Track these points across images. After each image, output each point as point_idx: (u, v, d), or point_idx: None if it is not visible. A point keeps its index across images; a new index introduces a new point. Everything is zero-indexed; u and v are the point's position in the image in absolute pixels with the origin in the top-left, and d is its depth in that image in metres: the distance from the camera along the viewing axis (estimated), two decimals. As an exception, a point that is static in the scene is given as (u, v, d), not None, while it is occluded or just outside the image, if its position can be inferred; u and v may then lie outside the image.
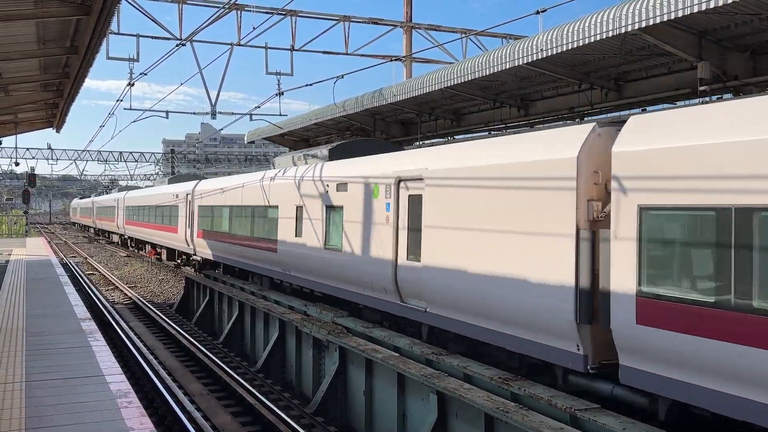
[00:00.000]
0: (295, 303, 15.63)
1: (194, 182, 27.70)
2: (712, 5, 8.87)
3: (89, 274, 35.08)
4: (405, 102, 17.30)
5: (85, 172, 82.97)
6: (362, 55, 24.91)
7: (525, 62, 12.34)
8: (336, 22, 23.63)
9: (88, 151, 64.32)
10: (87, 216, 73.69)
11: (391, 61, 22.02)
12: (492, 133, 16.55)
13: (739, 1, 8.73)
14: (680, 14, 9.31)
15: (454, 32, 25.91)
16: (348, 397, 12.01)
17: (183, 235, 27.28)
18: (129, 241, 47.12)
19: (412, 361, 10.25)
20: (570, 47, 11.18)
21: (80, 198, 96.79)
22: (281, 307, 15.89)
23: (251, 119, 27.36)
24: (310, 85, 17.59)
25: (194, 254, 26.29)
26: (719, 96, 11.15)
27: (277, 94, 21.50)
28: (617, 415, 7.31)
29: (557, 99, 15.06)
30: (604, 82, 13.46)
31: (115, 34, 20.85)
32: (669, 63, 12.23)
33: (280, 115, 25.46)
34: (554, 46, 11.49)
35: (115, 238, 54.92)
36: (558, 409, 7.61)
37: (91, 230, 71.64)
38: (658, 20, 9.63)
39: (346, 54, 24.28)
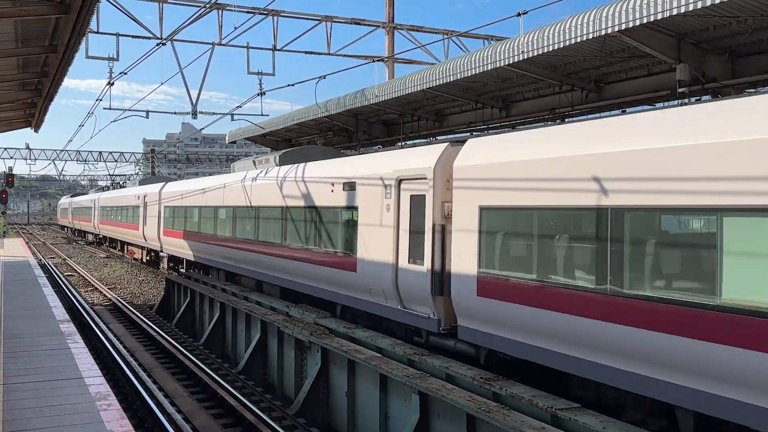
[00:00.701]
0: (276, 304, 15.57)
1: (436, 147, 10.92)
2: (691, 8, 8.98)
3: (68, 275, 34.71)
4: (387, 102, 17.32)
5: (64, 172, 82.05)
6: (344, 56, 24.89)
7: (506, 63, 12.41)
8: (318, 22, 23.59)
9: (67, 150, 63.78)
10: (84, 218, 57.67)
11: (373, 61, 22.01)
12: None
13: (718, 3, 8.83)
14: (659, 17, 9.42)
15: (436, 33, 25.96)
16: (330, 398, 11.99)
17: (388, 277, 11.46)
18: (168, 261, 29.22)
19: (395, 362, 10.25)
20: (551, 49, 11.26)
21: (72, 195, 76.39)
22: (263, 308, 15.82)
23: (233, 119, 27.31)
24: (292, 85, 17.56)
25: (450, 336, 10.46)
26: (698, 98, 11.29)
27: (258, 94, 21.39)
28: (597, 414, 7.36)
29: (538, 100, 15.16)
30: (584, 83, 13.57)
31: (95, 32, 20.64)
32: (648, 65, 12.35)
33: (262, 115, 25.38)
34: (535, 47, 11.56)
35: (136, 252, 36.61)
36: (539, 408, 7.65)
37: (89, 236, 58.82)
38: (637, 23, 9.73)
39: (329, 54, 24.24)
